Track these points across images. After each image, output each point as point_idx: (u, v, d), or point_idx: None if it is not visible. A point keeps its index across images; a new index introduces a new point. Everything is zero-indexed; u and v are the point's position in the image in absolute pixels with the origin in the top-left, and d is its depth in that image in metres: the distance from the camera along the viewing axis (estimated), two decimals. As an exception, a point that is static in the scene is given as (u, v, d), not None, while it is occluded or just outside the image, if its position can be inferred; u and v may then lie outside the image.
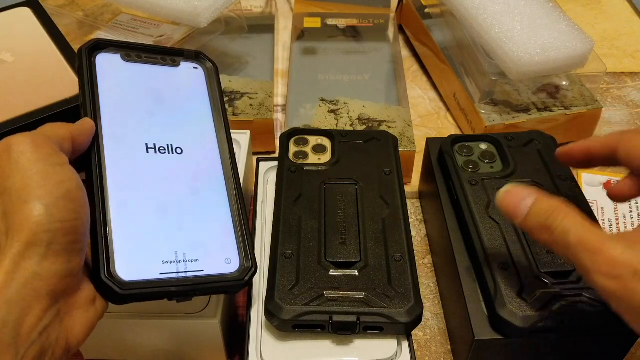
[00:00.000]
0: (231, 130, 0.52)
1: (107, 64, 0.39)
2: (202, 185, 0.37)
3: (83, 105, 0.36)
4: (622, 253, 0.29)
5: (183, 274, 0.33)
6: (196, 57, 0.43)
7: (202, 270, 0.34)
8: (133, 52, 0.40)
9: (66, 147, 0.33)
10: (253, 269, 0.36)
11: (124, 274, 0.31)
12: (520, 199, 0.34)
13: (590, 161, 0.39)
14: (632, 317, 0.30)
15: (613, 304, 0.30)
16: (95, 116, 0.36)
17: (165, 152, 0.37)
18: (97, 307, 0.31)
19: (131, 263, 0.32)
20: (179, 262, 0.34)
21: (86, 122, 0.35)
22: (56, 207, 0.28)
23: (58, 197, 0.29)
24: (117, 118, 0.37)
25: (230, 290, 0.36)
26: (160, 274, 0.32)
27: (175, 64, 0.42)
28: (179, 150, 0.38)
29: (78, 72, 0.38)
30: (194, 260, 0.34)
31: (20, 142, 0.30)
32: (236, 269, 0.36)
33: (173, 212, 0.35)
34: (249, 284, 0.36)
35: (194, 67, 0.43)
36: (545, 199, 0.33)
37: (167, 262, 0.33)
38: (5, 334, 0.26)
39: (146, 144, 0.37)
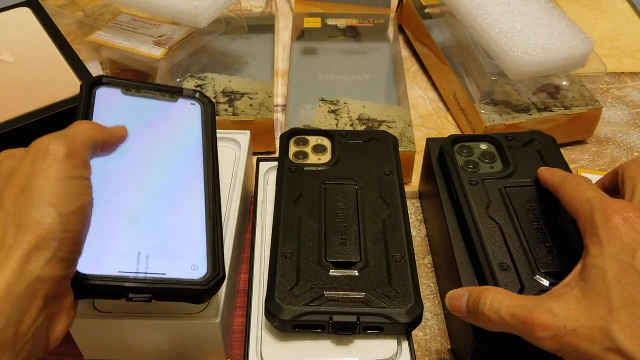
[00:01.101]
0: (231, 131, 0.52)
1: (107, 96, 0.42)
2: (179, 198, 0.39)
3: None
4: (548, 315, 0.32)
5: (142, 274, 0.34)
6: (194, 94, 0.46)
7: (164, 274, 0.35)
8: (133, 87, 0.43)
9: (98, 150, 0.35)
10: (220, 277, 0.36)
11: (80, 266, 0.32)
12: (459, 298, 0.37)
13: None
14: None
15: (563, 357, 0.32)
16: None
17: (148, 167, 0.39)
18: (75, 311, 0.33)
19: (88, 258, 0.33)
20: (139, 262, 0.35)
21: (121, 129, 0.37)
22: (68, 218, 0.29)
23: (73, 210, 0.30)
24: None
25: (193, 295, 0.35)
26: (119, 271, 0.33)
27: (174, 100, 0.45)
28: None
29: (77, 102, 0.40)
30: (156, 263, 0.35)
31: (57, 150, 0.31)
32: (202, 275, 0.36)
33: (144, 218, 0.36)
34: (213, 293, 0.36)
35: (192, 103, 0.45)
36: (474, 291, 0.36)
37: (127, 262, 0.34)
38: (7, 332, 0.27)
39: (130, 160, 0.39)
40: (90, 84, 0.41)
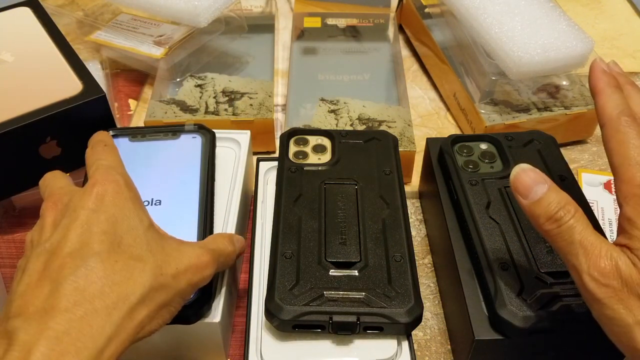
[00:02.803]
0: (231, 131, 0.52)
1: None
2: (173, 230, 0.40)
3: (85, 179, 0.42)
4: (613, 264, 0.30)
5: None
6: (194, 128, 0.50)
7: None
8: (139, 133, 0.49)
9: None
10: (206, 296, 0.39)
11: None
12: (534, 182, 0.34)
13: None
14: (610, 328, 0.31)
15: (595, 310, 0.31)
16: None
17: (146, 205, 0.42)
18: None
19: None
20: None
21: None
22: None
23: None
24: None
25: (180, 315, 0.37)
26: None
27: (176, 137, 0.49)
28: (157, 203, 0.44)
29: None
30: None
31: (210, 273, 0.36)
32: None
33: None
34: (200, 311, 0.38)
35: (193, 137, 0.49)
36: (559, 191, 0.33)
37: None
38: None
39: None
40: None
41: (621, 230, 0.33)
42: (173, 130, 0.49)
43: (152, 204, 0.43)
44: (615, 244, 0.32)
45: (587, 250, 0.31)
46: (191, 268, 0.34)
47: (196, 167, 0.46)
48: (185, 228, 0.42)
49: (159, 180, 0.45)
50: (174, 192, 0.45)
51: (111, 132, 0.48)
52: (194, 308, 0.38)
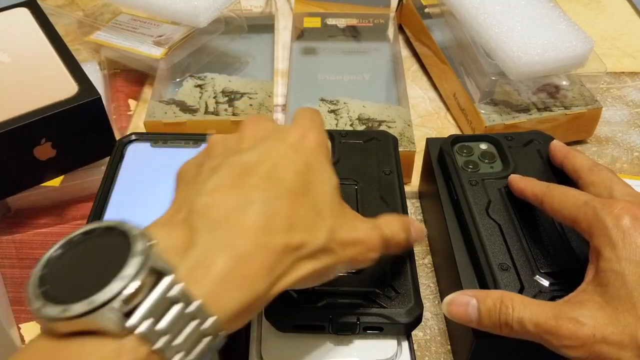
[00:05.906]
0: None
1: (137, 151, 0.48)
2: None
3: (102, 182, 0.44)
4: (575, 324, 0.31)
5: None
6: None
7: None
8: (161, 140, 0.49)
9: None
10: None
11: None
12: (464, 305, 0.35)
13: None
14: None
15: None
16: (109, 190, 0.44)
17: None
18: None
19: None
20: None
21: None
22: None
23: None
24: (129, 189, 0.43)
25: None
26: None
27: (197, 146, 0.49)
28: None
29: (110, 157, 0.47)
30: None
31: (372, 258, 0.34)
32: None
33: None
34: None
35: None
36: (487, 296, 0.34)
37: None
38: None
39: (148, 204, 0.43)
40: (121, 143, 0.48)
41: (590, 264, 0.34)
42: (195, 139, 0.49)
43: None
44: (586, 282, 0.34)
45: (544, 330, 0.32)
46: (360, 245, 0.32)
47: None
48: None
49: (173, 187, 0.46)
50: None
51: (133, 137, 0.49)
52: None
